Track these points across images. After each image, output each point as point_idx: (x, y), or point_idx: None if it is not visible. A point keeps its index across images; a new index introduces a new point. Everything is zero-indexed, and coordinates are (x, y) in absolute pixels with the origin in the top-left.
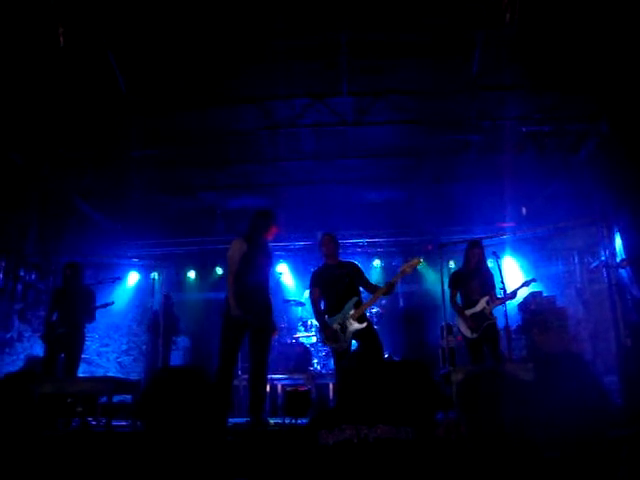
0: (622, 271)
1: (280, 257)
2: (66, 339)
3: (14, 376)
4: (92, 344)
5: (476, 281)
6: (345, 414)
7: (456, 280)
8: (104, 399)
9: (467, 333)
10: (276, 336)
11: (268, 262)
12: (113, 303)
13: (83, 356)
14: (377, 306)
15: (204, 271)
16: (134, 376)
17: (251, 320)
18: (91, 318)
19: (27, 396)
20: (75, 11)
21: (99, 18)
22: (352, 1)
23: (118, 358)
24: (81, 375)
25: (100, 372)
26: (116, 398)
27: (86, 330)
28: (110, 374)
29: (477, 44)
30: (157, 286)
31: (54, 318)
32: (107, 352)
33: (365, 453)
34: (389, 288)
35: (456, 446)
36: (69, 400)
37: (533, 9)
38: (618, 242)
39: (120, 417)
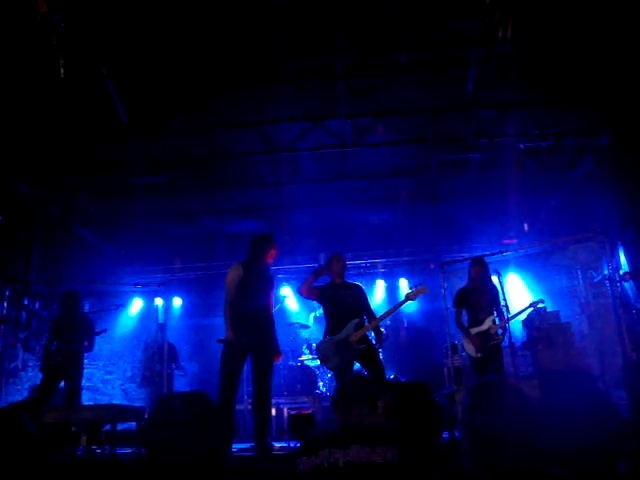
0: (626, 285)
1: (284, 280)
2: (64, 368)
3: (13, 406)
4: (96, 372)
5: (482, 299)
6: (325, 437)
7: (461, 298)
8: (108, 427)
9: (472, 352)
10: (280, 360)
11: (268, 286)
12: (106, 331)
13: (87, 384)
14: (382, 326)
15: (208, 296)
16: (139, 403)
17: (247, 344)
18: (90, 347)
19: (21, 426)
20: (74, 43)
21: (98, 49)
22: (347, 23)
23: (122, 385)
24: (86, 403)
25: (105, 400)
26: (121, 426)
27: (90, 358)
28: (115, 401)
29: (472, 62)
30: (160, 312)
31: (53, 347)
32: (111, 379)
33: (334, 478)
34: (387, 316)
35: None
36: (73, 429)
37: (528, 26)
38: (622, 256)
39: (125, 444)
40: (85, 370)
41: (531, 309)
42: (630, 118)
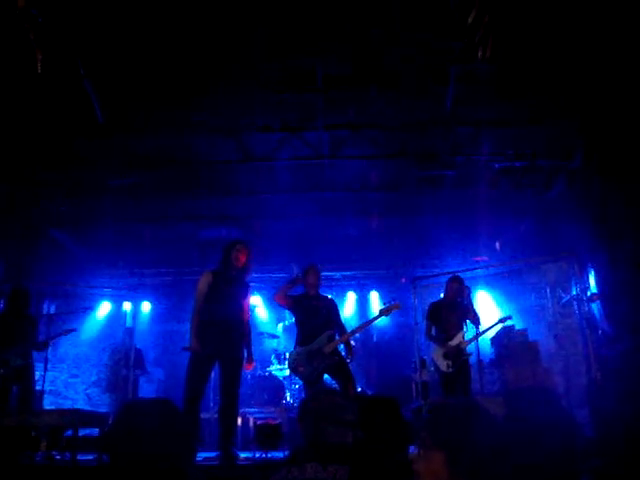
0: (593, 306)
1: (254, 289)
2: (14, 371)
3: None
4: (60, 375)
5: (454, 315)
6: (291, 455)
7: (433, 312)
8: (70, 432)
9: (443, 367)
10: (251, 369)
11: (240, 293)
12: (75, 330)
13: (50, 388)
14: (352, 338)
15: (178, 301)
16: (103, 408)
17: (214, 352)
18: (37, 347)
19: None
20: (54, 39)
21: (76, 46)
22: (326, 34)
23: (87, 390)
24: (47, 407)
25: (67, 404)
26: (83, 431)
27: (54, 361)
28: (78, 406)
29: (451, 79)
30: (129, 316)
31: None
32: (75, 383)
33: None
34: (359, 330)
35: None
36: (33, 433)
37: (507, 46)
38: (592, 278)
39: (87, 451)
40: (48, 373)
41: (500, 325)
42: (601, 141)
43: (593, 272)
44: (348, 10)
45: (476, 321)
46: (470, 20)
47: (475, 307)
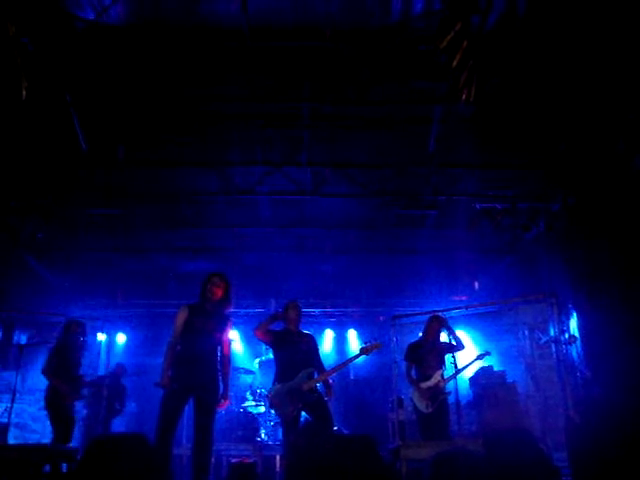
0: (571, 348)
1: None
2: None
3: None
4: (28, 407)
5: (431, 355)
6: None
7: (412, 352)
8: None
9: (422, 407)
10: (225, 406)
11: (216, 327)
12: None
13: (16, 420)
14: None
15: (154, 334)
16: (73, 443)
17: (187, 388)
18: None
19: None
20: (42, 68)
21: (64, 76)
22: (313, 74)
23: None
24: (12, 442)
25: (34, 438)
26: (49, 467)
27: (21, 392)
28: (45, 440)
29: (434, 120)
30: (103, 348)
31: None
32: (43, 416)
33: None
34: (339, 368)
35: None
36: None
37: (490, 90)
38: (573, 321)
39: None
40: (15, 405)
41: (479, 364)
42: (580, 187)
43: (573, 314)
44: (334, 52)
45: (459, 345)
46: (455, 63)
47: (457, 336)
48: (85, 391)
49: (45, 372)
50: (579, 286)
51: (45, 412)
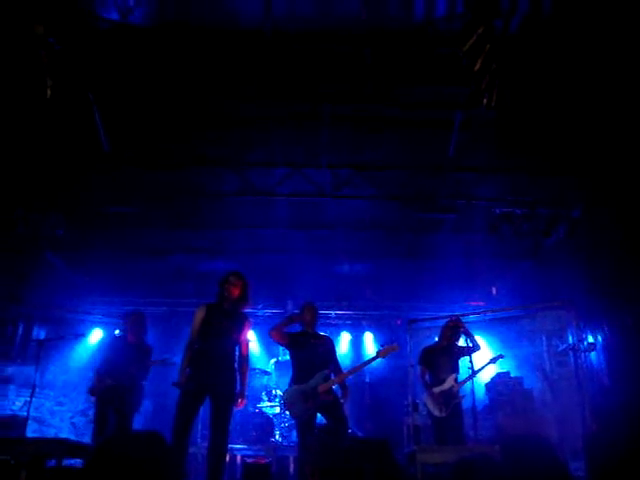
0: (590, 356)
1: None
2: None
3: None
4: (46, 402)
5: (445, 359)
6: None
7: (426, 357)
8: (53, 462)
9: (435, 411)
10: (242, 406)
11: (233, 327)
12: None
13: (34, 414)
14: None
15: (172, 333)
16: (88, 438)
17: (203, 387)
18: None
19: None
20: (67, 67)
21: (88, 75)
22: (334, 75)
23: (72, 418)
24: (30, 435)
25: (51, 432)
26: (67, 462)
27: (40, 387)
28: (62, 435)
29: (455, 124)
30: None
31: None
32: (61, 411)
33: None
34: (356, 370)
35: None
36: (12, 462)
37: (511, 94)
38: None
39: None
40: (34, 399)
41: (494, 369)
42: (602, 193)
43: (592, 322)
44: (356, 55)
45: (475, 347)
46: (477, 67)
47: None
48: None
49: None
50: (599, 294)
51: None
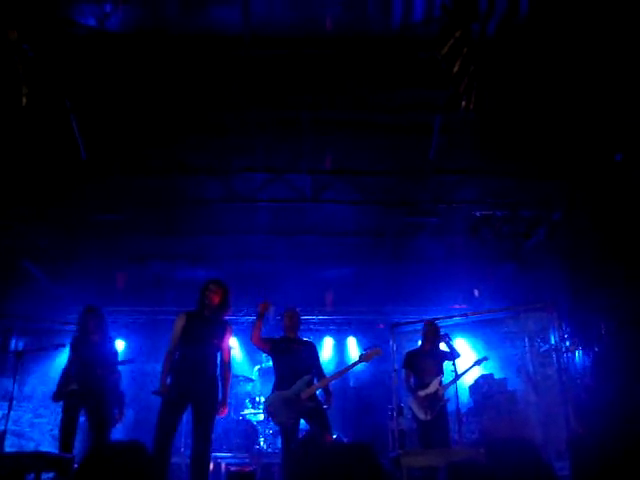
0: (572, 356)
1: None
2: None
3: None
4: (24, 414)
5: (429, 362)
6: None
7: (410, 360)
8: (31, 477)
9: (420, 415)
10: (224, 414)
11: (213, 334)
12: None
13: (13, 427)
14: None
15: (153, 341)
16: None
17: (184, 395)
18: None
19: None
20: (42, 74)
21: (64, 82)
22: (314, 80)
23: (52, 431)
24: (8, 449)
25: (31, 446)
26: (46, 476)
27: (18, 399)
28: (42, 448)
29: (434, 128)
30: None
31: None
32: (41, 424)
33: None
34: (339, 375)
35: None
36: None
37: (491, 97)
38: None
39: None
40: (13, 412)
41: (478, 371)
42: (582, 196)
43: (573, 322)
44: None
45: (454, 353)
46: (455, 70)
47: (453, 346)
48: None
49: None
50: (580, 294)
51: (40, 420)
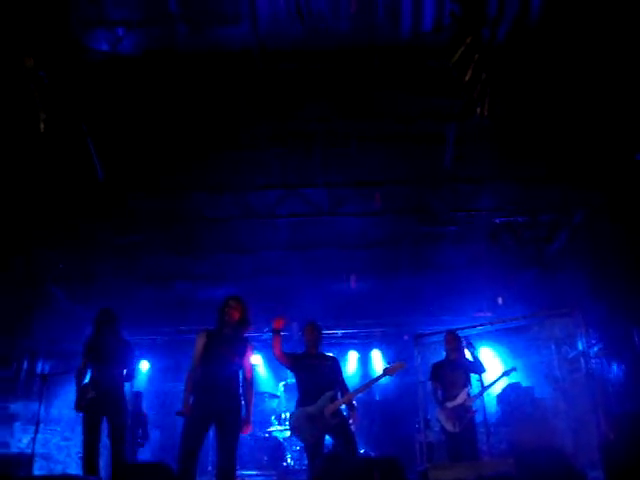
0: (601, 362)
1: (254, 348)
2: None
3: None
4: (52, 437)
5: (456, 373)
6: None
7: (436, 372)
8: None
9: (449, 427)
10: (248, 432)
11: (234, 351)
12: None
13: (41, 451)
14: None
15: (176, 361)
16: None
17: (208, 414)
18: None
19: None
20: (58, 100)
21: (80, 106)
22: (324, 92)
23: (79, 453)
24: (37, 473)
25: (58, 469)
26: None
27: (46, 422)
28: (69, 471)
29: (449, 137)
30: None
31: None
32: (68, 446)
33: None
34: (363, 390)
35: None
36: None
37: (506, 103)
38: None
39: None
40: (39, 435)
41: (505, 381)
42: (603, 198)
43: (600, 327)
44: (347, 71)
45: (479, 367)
46: (467, 77)
47: (479, 357)
48: None
49: None
50: (605, 298)
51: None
